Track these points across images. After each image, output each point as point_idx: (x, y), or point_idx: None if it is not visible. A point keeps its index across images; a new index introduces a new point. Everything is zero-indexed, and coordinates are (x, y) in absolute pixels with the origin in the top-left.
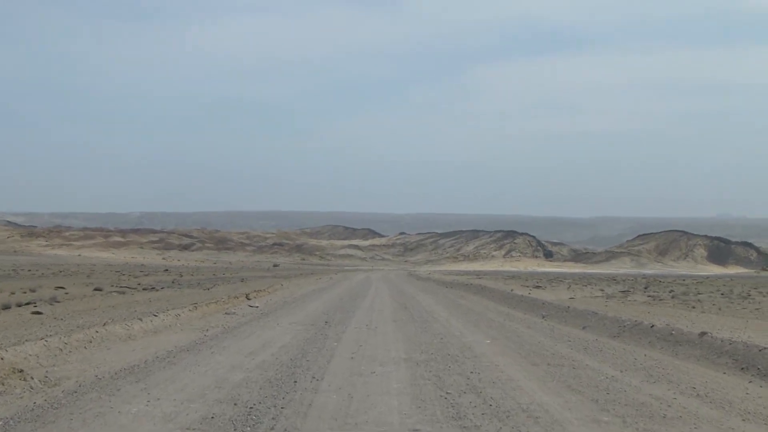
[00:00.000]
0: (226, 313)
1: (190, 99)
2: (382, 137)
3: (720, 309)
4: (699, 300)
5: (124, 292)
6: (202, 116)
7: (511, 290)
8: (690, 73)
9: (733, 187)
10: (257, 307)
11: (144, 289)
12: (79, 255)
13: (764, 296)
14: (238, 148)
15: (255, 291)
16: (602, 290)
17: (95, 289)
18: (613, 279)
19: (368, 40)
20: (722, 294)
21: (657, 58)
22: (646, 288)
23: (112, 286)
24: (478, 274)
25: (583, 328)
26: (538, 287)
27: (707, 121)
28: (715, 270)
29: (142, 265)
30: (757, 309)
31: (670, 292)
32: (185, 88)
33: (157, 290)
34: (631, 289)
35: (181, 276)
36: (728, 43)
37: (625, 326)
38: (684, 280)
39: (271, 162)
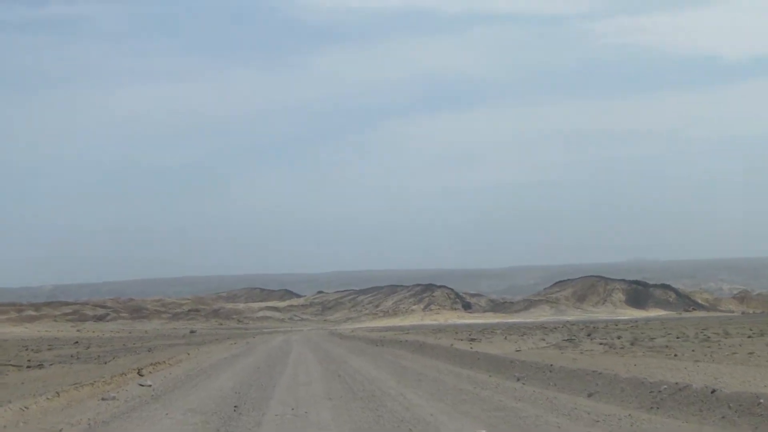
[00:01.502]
0: (102, 399)
1: (97, 165)
2: (295, 196)
3: (703, 355)
4: (668, 346)
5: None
6: (112, 182)
7: (451, 345)
8: (599, 122)
9: (644, 232)
10: (150, 386)
11: (29, 367)
12: None
13: (723, 337)
14: (150, 213)
15: (153, 363)
16: (543, 339)
17: None
18: (542, 327)
19: (279, 101)
20: (677, 337)
21: (564, 108)
22: (589, 335)
23: (8, 361)
24: (403, 330)
25: (590, 395)
26: (473, 340)
27: (616, 168)
28: (636, 314)
29: (55, 338)
30: (734, 353)
31: (618, 338)
32: (94, 154)
33: (44, 367)
34: (574, 338)
35: (88, 348)
36: (637, 91)
37: (657, 390)
38: (617, 324)
39: (184, 226)
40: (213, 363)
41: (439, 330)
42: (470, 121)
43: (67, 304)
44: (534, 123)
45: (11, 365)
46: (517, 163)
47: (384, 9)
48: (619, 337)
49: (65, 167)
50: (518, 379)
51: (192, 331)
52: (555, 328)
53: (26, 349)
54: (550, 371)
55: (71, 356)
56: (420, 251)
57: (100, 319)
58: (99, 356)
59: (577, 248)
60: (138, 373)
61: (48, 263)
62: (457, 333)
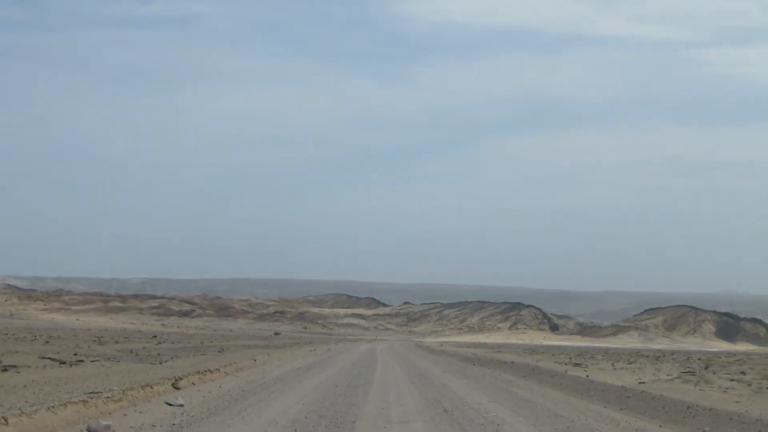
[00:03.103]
0: (87, 430)
1: (195, 167)
2: (388, 207)
3: None
4: None
5: (14, 370)
6: (207, 185)
7: (565, 371)
8: (699, 150)
9: (737, 264)
10: (181, 405)
11: (63, 363)
12: (77, 320)
13: None
14: (243, 216)
15: (205, 372)
16: (659, 370)
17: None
18: (643, 355)
19: (376, 110)
20: None
21: (663, 134)
22: (707, 368)
23: (57, 354)
24: (492, 347)
25: None
26: (578, 365)
27: (712, 199)
28: (724, 346)
29: (138, 331)
30: None
31: (742, 374)
32: (191, 156)
33: (83, 364)
34: (693, 371)
35: (159, 344)
36: (740, 122)
37: None
38: (719, 357)
39: (275, 230)
40: (281, 374)
41: (532, 351)
42: (569, 142)
43: (154, 297)
44: (633, 147)
45: (49, 359)
46: (614, 188)
47: (489, 25)
48: (743, 373)
49: (166, 164)
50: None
51: (276, 333)
52: (658, 358)
53: (93, 341)
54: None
55: (131, 352)
56: (509, 269)
57: (185, 314)
58: (160, 354)
59: (667, 276)
60: (173, 385)
61: (139, 257)
62: (554, 355)
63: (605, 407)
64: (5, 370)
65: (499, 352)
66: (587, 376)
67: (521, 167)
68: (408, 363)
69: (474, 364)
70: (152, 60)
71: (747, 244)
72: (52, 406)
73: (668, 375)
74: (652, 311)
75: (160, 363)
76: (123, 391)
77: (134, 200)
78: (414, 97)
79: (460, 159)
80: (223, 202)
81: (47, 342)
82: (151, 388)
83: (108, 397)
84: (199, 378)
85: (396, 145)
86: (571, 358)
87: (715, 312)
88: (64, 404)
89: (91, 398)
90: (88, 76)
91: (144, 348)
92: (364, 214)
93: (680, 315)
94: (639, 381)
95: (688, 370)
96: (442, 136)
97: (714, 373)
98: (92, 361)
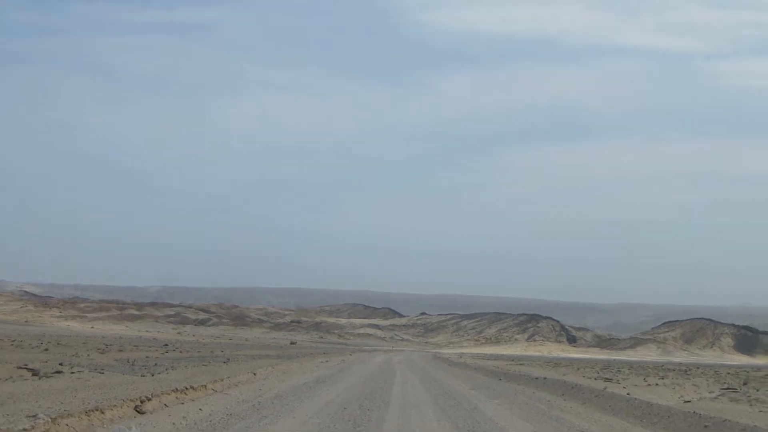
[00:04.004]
0: None
1: (213, 175)
2: (404, 217)
3: None
4: None
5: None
6: (226, 193)
7: (604, 388)
8: (716, 163)
9: (755, 277)
10: None
11: (35, 374)
12: (92, 327)
13: None
14: (261, 225)
15: (187, 389)
16: (697, 387)
17: None
18: (666, 368)
19: (393, 120)
20: None
21: (681, 146)
22: (745, 384)
23: (44, 363)
24: (512, 359)
25: None
26: (608, 380)
27: (730, 211)
28: (744, 360)
29: (153, 339)
30: None
31: None
32: (209, 164)
33: (60, 376)
34: (730, 386)
35: (166, 353)
36: (758, 135)
37: None
38: (746, 371)
39: (292, 239)
40: (282, 392)
41: (554, 364)
42: (587, 154)
43: (170, 305)
44: (651, 160)
45: (26, 369)
46: (632, 200)
47: (509, 35)
48: None
49: (184, 172)
50: None
51: (292, 343)
52: (687, 372)
53: (97, 350)
54: None
55: (128, 362)
56: (525, 280)
57: (201, 323)
58: (157, 364)
59: (684, 289)
60: (136, 408)
61: (156, 265)
62: (579, 369)
63: None
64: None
65: (521, 364)
66: (628, 394)
67: (539, 178)
68: (429, 377)
69: (500, 379)
70: (172, 67)
71: (765, 257)
72: None
73: (710, 392)
74: (670, 324)
75: (152, 375)
76: (54, 419)
77: (152, 208)
78: (432, 107)
79: (477, 169)
80: (241, 211)
81: (45, 350)
82: (102, 413)
83: (24, 430)
84: (177, 397)
85: (413, 155)
86: (598, 372)
87: (733, 325)
88: None
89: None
90: (107, 82)
91: (147, 357)
92: (381, 224)
93: (698, 328)
94: (684, 400)
95: (728, 386)
96: (460, 146)
97: (757, 390)
98: (72, 373)
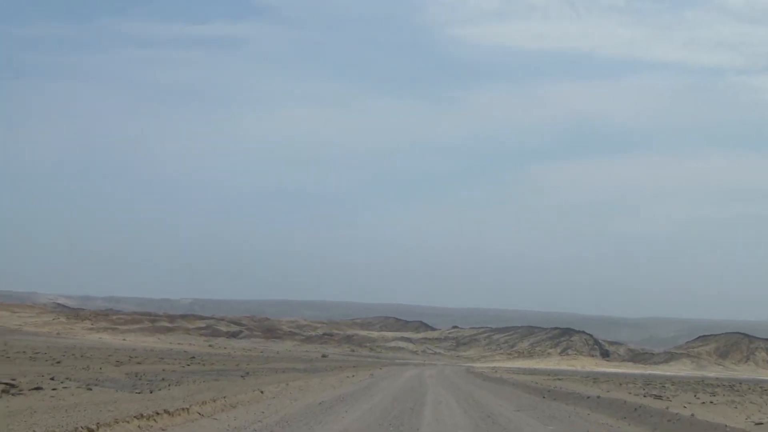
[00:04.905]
0: None
1: (246, 187)
2: (435, 230)
3: None
4: None
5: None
6: (255, 205)
7: (667, 408)
8: (749, 178)
9: None
10: None
11: (5, 391)
12: (124, 340)
13: None
14: (289, 237)
15: (163, 413)
16: (758, 406)
17: None
18: (709, 383)
19: (424, 134)
20: None
21: (712, 161)
22: None
23: (39, 377)
24: (548, 374)
25: None
26: (658, 397)
27: (760, 226)
28: None
29: (184, 351)
30: None
31: None
32: (241, 176)
33: (43, 391)
34: None
35: (188, 365)
36: None
37: None
38: None
39: (325, 251)
40: (289, 415)
41: (594, 379)
42: (618, 169)
43: (202, 318)
44: (681, 174)
45: (6, 383)
46: (664, 214)
47: (539, 50)
48: None
49: (216, 184)
50: None
51: (324, 356)
52: (733, 387)
53: (115, 363)
54: None
55: (135, 376)
56: (557, 295)
57: (233, 335)
58: (165, 379)
59: (717, 303)
60: None
61: (189, 277)
62: (621, 385)
63: None
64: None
65: (559, 380)
66: (692, 415)
67: (569, 193)
68: (464, 395)
69: (544, 397)
70: (199, 80)
71: None
72: None
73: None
74: (704, 338)
75: (150, 392)
76: None
77: (184, 220)
78: (462, 121)
79: (508, 184)
80: (273, 223)
81: (58, 362)
82: None
83: None
84: (140, 426)
85: (444, 169)
86: (642, 389)
87: (767, 339)
88: None
89: None
90: (135, 95)
91: (163, 370)
92: (413, 237)
93: (733, 342)
94: (753, 422)
95: None
96: (490, 160)
97: None
98: (55, 389)
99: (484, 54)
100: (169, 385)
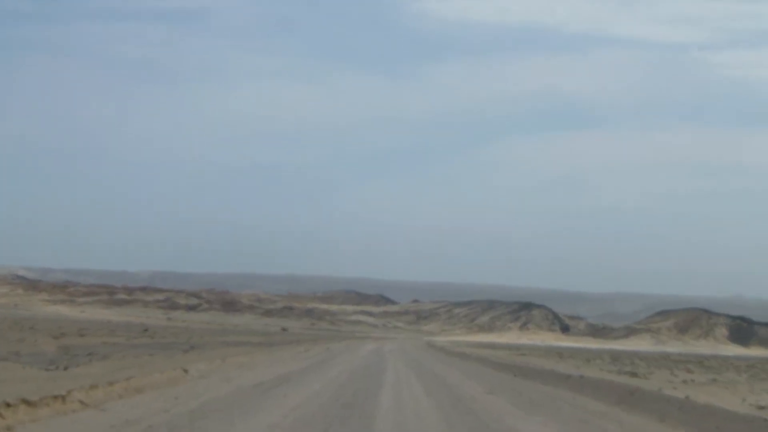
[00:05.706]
0: None
1: (204, 161)
2: (397, 205)
3: None
4: None
5: None
6: (217, 178)
7: (660, 389)
8: (709, 153)
9: (747, 268)
10: None
11: None
12: (82, 312)
13: None
14: (252, 211)
15: (108, 384)
16: (748, 385)
17: None
18: (675, 359)
19: (388, 109)
20: None
21: (675, 136)
22: None
23: None
24: (510, 348)
25: None
26: (634, 375)
27: (723, 201)
28: (738, 350)
29: (141, 324)
30: None
31: None
32: (202, 151)
33: None
34: None
35: (134, 339)
36: (750, 125)
37: None
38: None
39: (286, 226)
40: (203, 404)
41: (559, 354)
42: (581, 143)
43: (160, 291)
44: (645, 149)
45: None
46: (626, 189)
47: (503, 24)
48: None
49: (178, 159)
50: None
51: (284, 329)
52: (702, 363)
53: (54, 335)
54: None
55: (66, 349)
56: (518, 269)
57: (192, 308)
58: (91, 354)
59: (677, 279)
60: None
61: (149, 250)
62: (589, 361)
63: None
64: None
65: (523, 355)
66: (687, 397)
67: (533, 168)
68: (428, 373)
69: (515, 375)
70: (164, 54)
71: (758, 248)
72: None
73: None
74: (664, 314)
75: (65, 369)
76: None
77: (146, 193)
78: (427, 96)
79: (472, 159)
80: (234, 198)
81: None
82: None
83: None
84: (33, 412)
85: (408, 144)
86: (615, 366)
87: (727, 316)
88: None
89: None
90: (99, 69)
91: (103, 344)
92: (375, 211)
93: (692, 318)
94: (755, 405)
95: None
96: (455, 135)
97: None
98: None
99: (448, 28)
100: (91, 361)
